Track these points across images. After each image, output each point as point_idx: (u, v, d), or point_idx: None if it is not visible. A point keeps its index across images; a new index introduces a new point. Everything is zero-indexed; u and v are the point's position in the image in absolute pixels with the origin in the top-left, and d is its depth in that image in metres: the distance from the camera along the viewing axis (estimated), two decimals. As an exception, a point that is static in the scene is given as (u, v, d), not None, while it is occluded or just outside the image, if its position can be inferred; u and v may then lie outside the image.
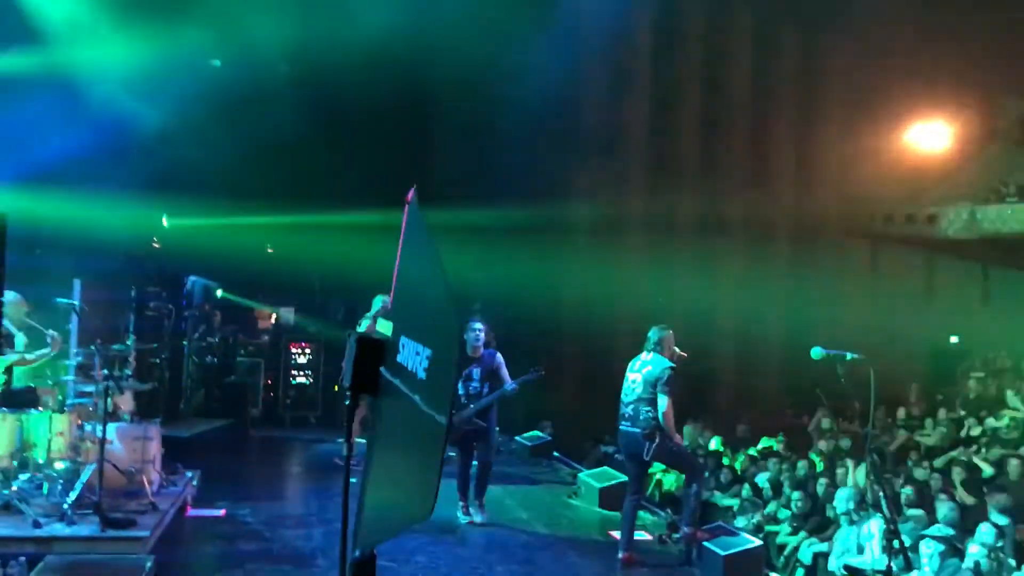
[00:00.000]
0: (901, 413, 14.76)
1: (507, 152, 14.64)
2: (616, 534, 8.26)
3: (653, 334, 7.28)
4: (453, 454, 8.22)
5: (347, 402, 2.33)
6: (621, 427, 7.23)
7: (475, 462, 8.29)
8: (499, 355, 8.23)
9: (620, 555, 7.15)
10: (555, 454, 12.27)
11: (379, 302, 9.49)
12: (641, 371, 7.13)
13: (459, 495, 8.23)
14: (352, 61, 13.07)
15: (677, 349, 7.30)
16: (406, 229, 2.43)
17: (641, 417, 7.01)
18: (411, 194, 2.43)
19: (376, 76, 13.58)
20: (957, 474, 10.65)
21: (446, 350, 1.98)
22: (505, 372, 8.16)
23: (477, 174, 14.95)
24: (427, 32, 13.65)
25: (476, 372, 8.08)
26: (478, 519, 8.08)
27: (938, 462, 11.57)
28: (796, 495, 10.17)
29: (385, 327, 2.37)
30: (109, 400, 7.04)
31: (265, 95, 13.45)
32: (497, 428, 8.64)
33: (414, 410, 2.04)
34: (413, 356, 2.11)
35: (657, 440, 6.96)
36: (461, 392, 7.95)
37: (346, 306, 14.49)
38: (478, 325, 8.11)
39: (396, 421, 2.23)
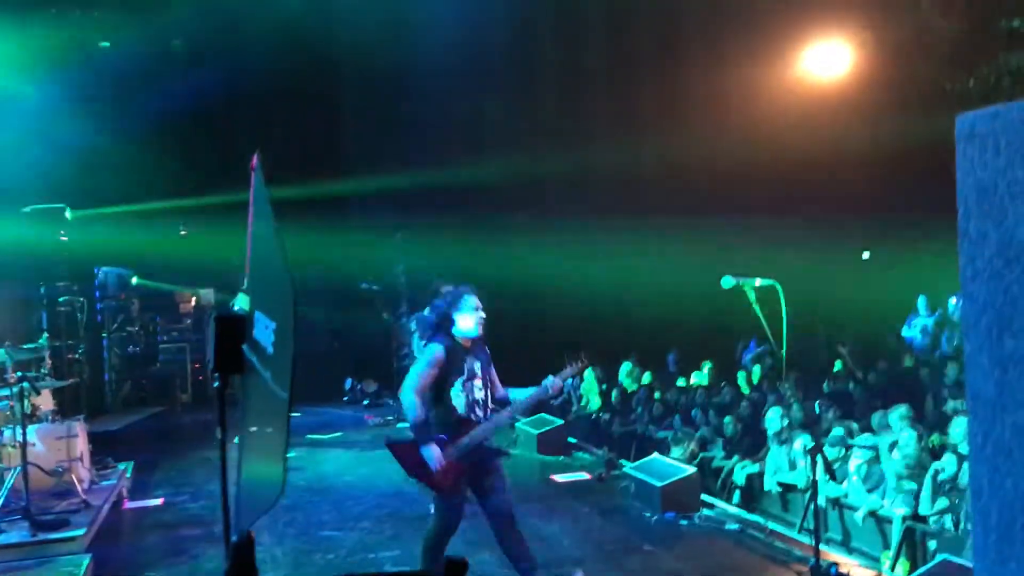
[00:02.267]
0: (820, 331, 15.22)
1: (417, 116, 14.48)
2: (556, 477, 8.48)
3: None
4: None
5: (215, 384, 2.28)
6: None
7: (492, 512, 5.04)
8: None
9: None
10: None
11: (245, 302, 9.12)
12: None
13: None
14: (251, 33, 12.73)
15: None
16: (253, 198, 2.37)
17: None
18: (254, 161, 2.36)
19: (278, 46, 13.26)
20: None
21: (286, 322, 1.95)
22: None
23: (386, 141, 14.77)
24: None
25: (478, 367, 5.09)
26: None
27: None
28: (728, 419, 10.47)
29: (243, 301, 2.30)
30: (26, 401, 6.84)
31: (160, 72, 13.02)
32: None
33: (266, 387, 2.02)
34: (264, 330, 2.08)
35: None
36: (460, 401, 4.98)
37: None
38: (476, 301, 5.10)
39: (255, 400, 2.21)
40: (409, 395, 4.89)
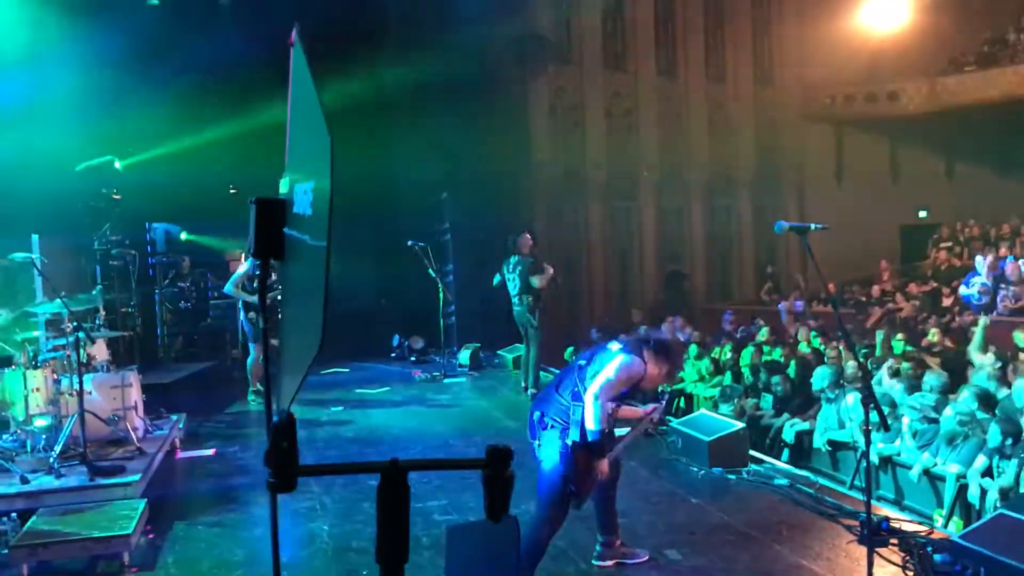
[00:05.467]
0: (875, 290, 14.97)
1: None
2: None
3: (511, 241, 10.27)
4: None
5: (257, 272, 2.24)
6: (515, 309, 10.24)
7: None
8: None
9: (530, 392, 10.12)
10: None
11: (285, 184, 9.16)
12: (515, 271, 10.07)
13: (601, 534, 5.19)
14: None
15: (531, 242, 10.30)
16: (293, 75, 2.30)
17: (525, 303, 10.09)
18: (293, 36, 2.29)
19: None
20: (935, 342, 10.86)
21: (323, 175, 1.87)
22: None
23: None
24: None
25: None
26: None
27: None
28: (776, 379, 10.34)
29: (283, 184, 2.23)
30: (82, 351, 6.96)
31: (207, 27, 12.95)
32: None
33: (306, 251, 1.96)
34: (303, 196, 2.02)
35: (537, 313, 10.09)
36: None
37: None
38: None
39: (296, 274, 2.14)
40: (598, 402, 4.49)
